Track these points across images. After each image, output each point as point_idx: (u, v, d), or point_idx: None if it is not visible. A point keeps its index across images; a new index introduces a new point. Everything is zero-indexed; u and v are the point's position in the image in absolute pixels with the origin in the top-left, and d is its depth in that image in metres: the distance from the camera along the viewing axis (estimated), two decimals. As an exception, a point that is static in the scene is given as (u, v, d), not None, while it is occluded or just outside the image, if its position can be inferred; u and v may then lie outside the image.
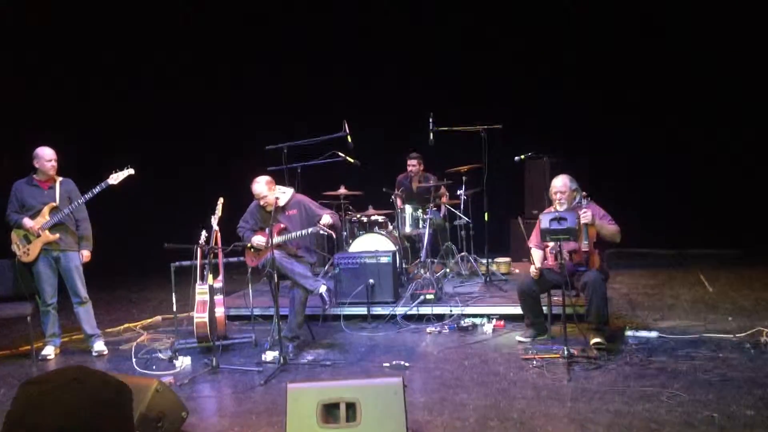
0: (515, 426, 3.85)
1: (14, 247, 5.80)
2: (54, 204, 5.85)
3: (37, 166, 5.86)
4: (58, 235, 5.83)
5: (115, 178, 5.90)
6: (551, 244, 5.32)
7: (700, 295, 7.14)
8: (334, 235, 6.16)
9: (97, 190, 5.83)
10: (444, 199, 8.42)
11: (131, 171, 5.98)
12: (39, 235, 5.77)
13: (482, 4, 10.21)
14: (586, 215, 5.21)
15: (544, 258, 5.61)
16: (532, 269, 5.52)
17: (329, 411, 3.51)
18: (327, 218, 5.77)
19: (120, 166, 5.96)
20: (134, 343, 6.20)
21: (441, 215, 8.40)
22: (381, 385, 3.60)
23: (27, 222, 5.75)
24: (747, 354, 4.97)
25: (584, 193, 5.50)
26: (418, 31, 10.42)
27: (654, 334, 5.59)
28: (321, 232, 5.77)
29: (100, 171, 5.97)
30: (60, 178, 5.97)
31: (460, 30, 10.38)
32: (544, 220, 5.04)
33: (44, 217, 5.78)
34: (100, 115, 10.19)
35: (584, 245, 5.28)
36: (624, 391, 4.31)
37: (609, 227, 5.34)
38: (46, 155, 5.86)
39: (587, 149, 9.46)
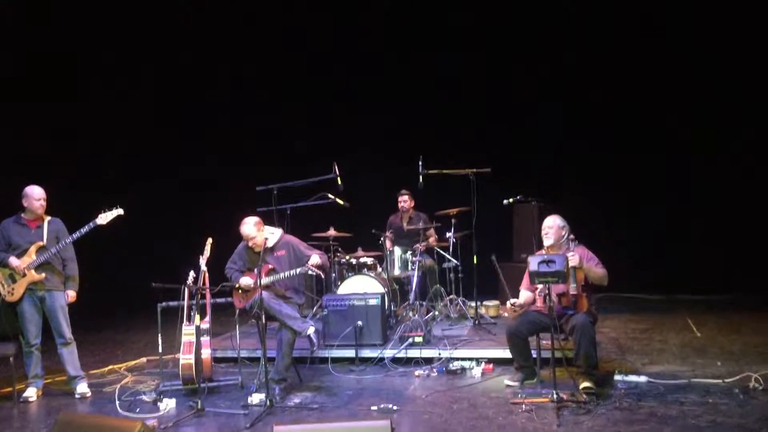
0: (504, 471, 3.80)
1: None
2: (41, 243, 5.81)
3: (25, 204, 5.84)
4: (44, 275, 5.78)
5: (104, 218, 5.86)
6: (540, 286, 5.33)
7: (689, 339, 7.13)
8: (323, 275, 6.14)
9: (85, 230, 5.80)
10: (432, 241, 8.43)
11: (120, 211, 5.95)
12: (25, 275, 5.72)
13: (476, 42, 10.37)
14: (573, 258, 5.23)
15: (533, 301, 5.60)
16: (508, 303, 5.55)
17: (316, 455, 3.46)
18: (315, 258, 5.78)
19: (108, 206, 5.93)
20: (118, 385, 6.11)
21: (429, 257, 8.40)
22: (368, 428, 3.56)
23: (13, 261, 5.71)
24: (736, 399, 4.94)
25: (572, 236, 5.54)
26: (408, 74, 10.55)
27: (643, 378, 5.56)
28: (309, 272, 5.76)
29: (87, 210, 5.96)
30: (48, 218, 5.95)
31: (453, 71, 10.51)
32: (533, 263, 5.05)
33: (30, 257, 5.74)
34: (86, 152, 10.20)
35: (572, 288, 5.29)
36: (614, 436, 4.27)
37: (597, 270, 5.36)
38: (35, 194, 5.84)
39: (576, 193, 9.53)
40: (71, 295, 5.97)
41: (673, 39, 9.81)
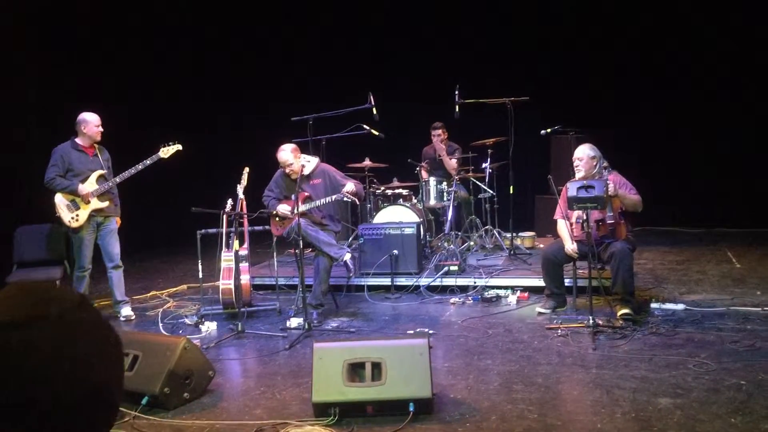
0: (540, 390, 3.85)
1: (60, 213, 5.80)
2: (102, 171, 5.90)
3: (84, 130, 5.85)
4: (107, 203, 5.89)
5: (165, 152, 5.97)
6: (577, 213, 5.28)
7: (728, 270, 7.05)
8: (358, 202, 6.16)
9: (148, 162, 5.89)
10: (453, 167, 8.33)
11: (179, 146, 6.03)
12: (89, 202, 5.81)
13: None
14: (609, 186, 5.14)
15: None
16: (568, 246, 5.42)
17: (355, 370, 3.54)
18: (350, 186, 5.79)
19: (164, 142, 6.01)
20: (161, 310, 6.28)
21: (464, 188, 8.36)
22: (406, 346, 3.62)
23: (82, 188, 5.77)
24: (775, 326, 4.91)
25: (605, 163, 5.43)
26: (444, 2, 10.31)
27: (680, 306, 5.53)
28: (345, 198, 5.78)
29: (130, 142, 6.03)
30: (98, 146, 6.01)
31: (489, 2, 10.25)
32: (572, 188, 4.99)
33: (93, 184, 5.82)
34: (126, 82, 10.24)
35: (609, 216, 5.23)
36: (650, 359, 4.29)
37: (631, 197, 5.26)
38: (95, 120, 5.88)
39: (614, 124, 9.32)
40: (119, 221, 6.12)
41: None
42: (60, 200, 5.80)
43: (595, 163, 5.45)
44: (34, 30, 8.77)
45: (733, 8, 9.30)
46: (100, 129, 5.91)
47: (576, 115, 8.72)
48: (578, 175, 5.45)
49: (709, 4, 9.41)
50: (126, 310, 6.11)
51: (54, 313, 0.91)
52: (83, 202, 5.80)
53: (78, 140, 5.90)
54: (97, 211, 5.88)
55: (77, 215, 5.80)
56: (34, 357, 0.87)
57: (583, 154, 5.47)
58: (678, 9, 9.55)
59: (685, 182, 9.67)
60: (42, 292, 0.95)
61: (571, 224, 5.44)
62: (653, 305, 5.62)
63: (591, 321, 4.92)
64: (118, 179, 5.88)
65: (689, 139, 9.73)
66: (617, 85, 9.82)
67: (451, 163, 8.20)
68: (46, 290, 0.96)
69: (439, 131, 8.48)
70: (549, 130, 7.51)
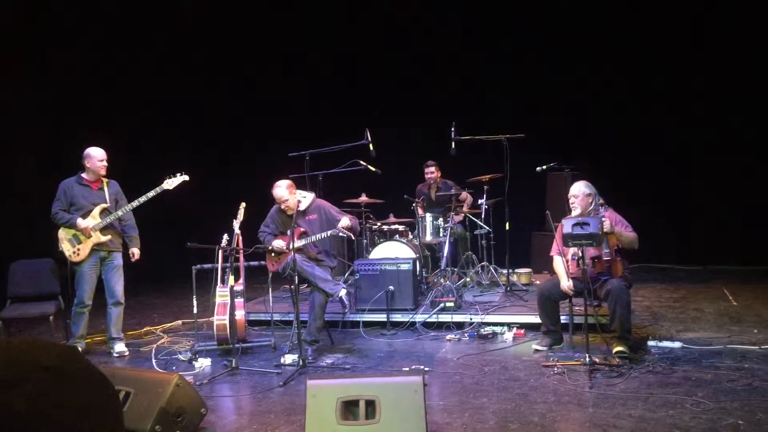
0: (536, 429, 3.82)
1: (63, 247, 5.80)
2: (105, 205, 5.91)
3: (88, 165, 5.91)
4: (110, 237, 5.89)
5: (170, 183, 5.99)
6: (573, 250, 5.28)
7: (724, 308, 7.02)
8: (353, 237, 6.15)
9: (152, 194, 5.91)
10: (465, 208, 8.40)
11: (186, 177, 6.06)
12: (90, 236, 5.81)
13: (506, 13, 10.21)
14: (605, 223, 5.15)
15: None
16: (564, 283, 5.41)
17: (349, 408, 3.50)
18: (345, 221, 5.80)
19: (169, 173, 6.03)
20: (155, 346, 6.24)
21: (461, 224, 8.37)
22: (401, 384, 3.58)
23: (81, 222, 5.78)
24: (773, 365, 4.88)
25: (601, 200, 5.46)
26: (442, 40, 10.42)
27: (677, 344, 5.50)
28: (340, 234, 5.78)
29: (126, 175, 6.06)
30: (107, 180, 6.03)
31: (486, 40, 10.36)
32: (567, 225, 5.00)
33: (95, 218, 5.84)
34: (127, 118, 10.32)
35: (605, 253, 5.23)
36: (647, 398, 4.25)
37: (627, 234, 5.27)
38: (98, 155, 5.93)
39: (610, 162, 9.38)
40: (137, 252, 6.11)
41: (711, 52, 9.57)
42: (62, 234, 5.82)
43: (590, 200, 5.47)
44: (34, 66, 8.88)
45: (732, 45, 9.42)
46: (104, 163, 5.95)
47: (572, 152, 8.76)
48: (574, 212, 5.46)
49: (706, 45, 9.54)
50: (120, 346, 6.06)
51: (31, 376, 0.86)
52: (84, 236, 5.80)
53: (83, 174, 5.95)
54: (99, 245, 5.87)
55: (78, 249, 5.80)
56: (10, 420, 0.82)
57: (579, 191, 5.49)
58: (677, 49, 9.68)
59: (681, 219, 9.69)
60: (19, 354, 0.90)
61: (567, 261, 5.44)
62: (650, 343, 5.59)
63: (587, 359, 4.89)
64: (120, 212, 5.89)
65: (686, 176, 9.78)
66: (614, 122, 9.89)
67: (466, 198, 8.31)
68: (23, 351, 0.91)
69: (432, 168, 8.54)
70: (545, 167, 7.56)
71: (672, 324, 6.37)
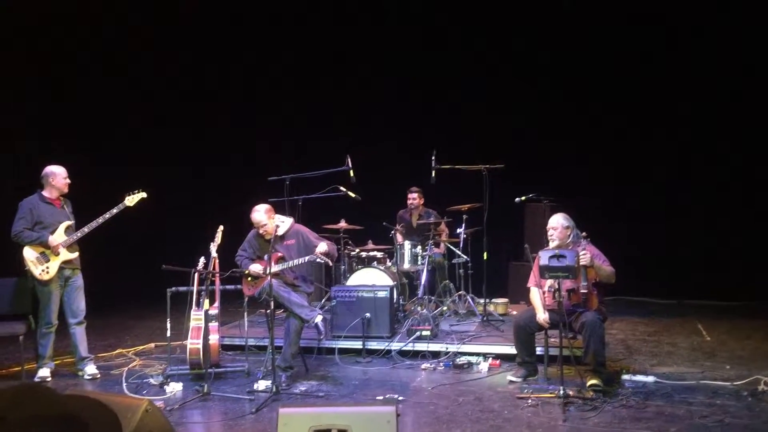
0: (508, 462, 3.79)
1: (31, 266, 5.72)
2: (70, 223, 5.89)
3: (52, 182, 5.87)
4: (76, 254, 5.85)
5: (131, 200, 5.96)
6: (549, 282, 5.31)
7: (698, 343, 7.08)
8: (330, 263, 6.13)
9: (114, 211, 5.88)
10: (443, 237, 8.42)
11: (143, 194, 6.05)
12: (59, 254, 5.74)
13: (489, 43, 10.34)
14: (585, 257, 5.18)
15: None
16: (540, 315, 5.42)
17: (320, 437, 3.45)
18: (323, 246, 5.78)
19: (129, 190, 6.01)
20: (126, 369, 6.15)
21: (440, 253, 8.38)
22: (374, 413, 3.54)
23: (52, 239, 5.72)
24: (744, 401, 4.90)
25: (584, 233, 5.50)
26: (424, 68, 10.51)
27: (651, 378, 5.53)
28: (318, 260, 5.75)
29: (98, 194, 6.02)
30: (63, 198, 6.00)
31: (467, 68, 10.46)
32: (543, 257, 5.03)
33: (61, 236, 5.78)
34: (99, 136, 10.27)
35: (583, 286, 5.25)
36: (620, 432, 4.25)
37: (606, 268, 5.32)
38: (63, 173, 5.94)
39: (589, 193, 9.47)
40: None
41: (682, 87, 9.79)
42: (29, 253, 5.72)
43: (569, 233, 5.51)
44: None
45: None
46: (68, 181, 5.95)
47: (550, 184, 8.84)
48: (552, 244, 5.50)
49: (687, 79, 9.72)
50: (90, 368, 5.97)
51: None
52: (53, 254, 5.73)
53: (45, 193, 5.90)
54: (66, 263, 5.82)
55: (47, 267, 5.72)
56: None
57: (557, 223, 5.53)
58: (657, 85, 9.85)
59: (657, 253, 9.78)
60: None
61: (543, 292, 5.46)
62: (624, 377, 5.61)
63: (562, 391, 4.89)
64: (86, 229, 5.83)
65: (663, 211, 9.91)
66: (593, 155, 10.01)
67: (445, 230, 8.37)
68: None
69: (415, 195, 8.57)
70: (524, 198, 7.63)
71: (646, 358, 6.40)
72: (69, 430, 0.96)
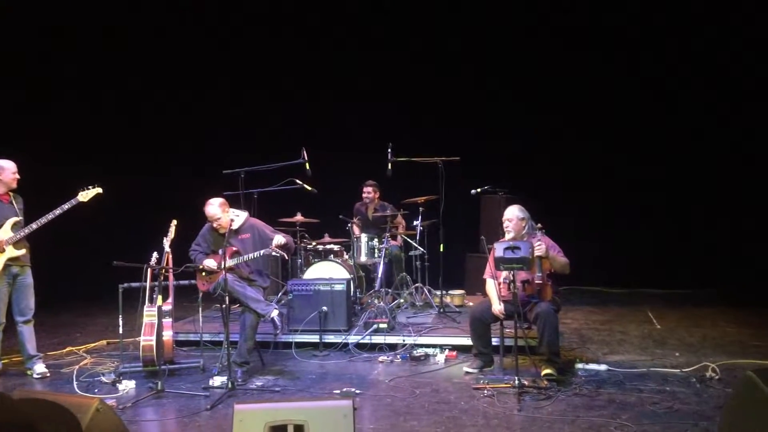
0: (465, 453, 3.82)
1: None
2: (17, 218, 5.70)
3: (1, 178, 5.69)
4: (24, 251, 5.67)
5: (85, 196, 5.79)
6: (504, 273, 5.36)
7: (649, 331, 7.24)
8: (287, 257, 6.06)
9: (66, 206, 5.69)
10: (400, 229, 8.43)
11: (99, 190, 5.87)
12: (4, 250, 5.57)
13: (447, 36, 10.38)
14: (540, 247, 5.23)
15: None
16: (495, 306, 5.47)
17: (276, 433, 3.42)
18: (279, 239, 5.70)
19: (83, 186, 5.84)
20: (77, 367, 6.01)
21: (397, 246, 8.40)
22: (331, 408, 3.52)
23: None
24: (693, 388, 5.04)
25: (539, 225, 5.57)
26: (379, 58, 10.48)
27: (603, 367, 5.64)
28: (273, 253, 5.68)
29: (51, 187, 5.86)
30: (12, 193, 5.81)
31: (423, 58, 10.47)
32: (498, 249, 5.07)
33: (7, 232, 5.61)
34: (52, 126, 10.01)
35: (537, 277, 5.32)
36: (574, 420, 4.32)
37: (560, 259, 5.39)
38: (12, 168, 5.73)
39: (542, 185, 9.59)
40: None
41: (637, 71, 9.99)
42: None
43: (524, 225, 5.56)
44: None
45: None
46: (17, 176, 5.76)
47: (505, 175, 8.92)
48: (507, 236, 5.54)
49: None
50: (40, 367, 5.81)
51: None
52: None
53: None
54: (12, 260, 5.65)
55: None
56: None
57: (513, 215, 5.57)
58: (608, 78, 10.02)
59: (609, 242, 9.96)
60: None
61: (498, 284, 5.51)
62: (578, 365, 5.70)
63: (517, 381, 4.95)
64: (34, 225, 5.67)
65: (613, 200, 10.08)
66: (546, 147, 10.13)
67: (401, 222, 8.38)
68: None
69: (370, 189, 8.57)
70: (479, 190, 7.69)
71: (599, 347, 6.52)
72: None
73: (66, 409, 0.90)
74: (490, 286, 5.60)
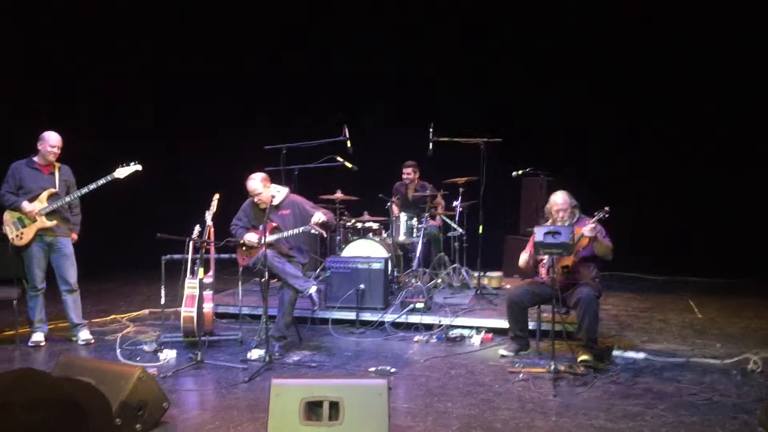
0: (498, 436, 3.83)
1: (6, 229, 5.72)
2: (53, 190, 5.82)
3: (39, 148, 5.82)
4: (55, 222, 5.80)
5: (122, 172, 5.87)
6: (545, 258, 5.32)
7: (690, 320, 7.12)
8: (325, 235, 6.09)
9: (102, 181, 5.79)
10: (440, 210, 8.41)
11: (138, 167, 5.95)
12: (35, 220, 5.72)
13: (490, 17, 10.24)
14: (593, 228, 5.17)
15: (535, 270, 5.59)
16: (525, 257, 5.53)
17: (312, 409, 3.47)
18: (318, 216, 5.73)
19: (121, 159, 5.93)
20: (120, 335, 6.17)
21: (436, 226, 8.38)
22: (366, 386, 3.56)
23: (26, 205, 5.69)
24: (733, 380, 4.95)
25: (606, 208, 5.48)
26: (425, 40, 10.42)
27: (641, 355, 5.57)
28: (312, 231, 5.72)
29: (99, 162, 5.97)
30: (59, 165, 5.94)
31: (469, 40, 10.36)
32: (539, 233, 5.01)
33: (42, 202, 5.75)
34: (100, 107, 10.18)
35: (579, 261, 5.28)
36: (609, 408, 4.29)
37: (606, 243, 5.31)
38: (51, 140, 5.82)
39: (584, 170, 9.44)
40: (74, 237, 6.01)
41: (690, 59, 9.69)
42: (8, 217, 5.75)
43: (577, 212, 5.52)
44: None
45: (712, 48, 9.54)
46: (54, 150, 5.84)
47: (548, 157, 8.82)
48: (559, 224, 5.45)
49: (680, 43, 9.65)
50: (84, 334, 5.99)
51: None
52: (29, 220, 5.70)
53: (35, 158, 5.86)
54: (44, 230, 5.78)
55: (21, 233, 5.71)
56: None
57: (565, 203, 5.48)
58: (660, 55, 9.77)
59: (652, 229, 9.80)
60: None
61: (537, 261, 5.48)
62: (615, 352, 5.65)
63: (552, 366, 4.93)
64: (68, 198, 5.81)
65: (658, 187, 9.90)
66: (590, 130, 9.96)
67: (441, 203, 8.39)
68: None
69: (410, 170, 8.55)
70: (521, 172, 7.61)
71: (637, 334, 6.44)
72: (68, 412, 0.99)
73: (100, 392, 0.94)
74: (524, 257, 5.59)
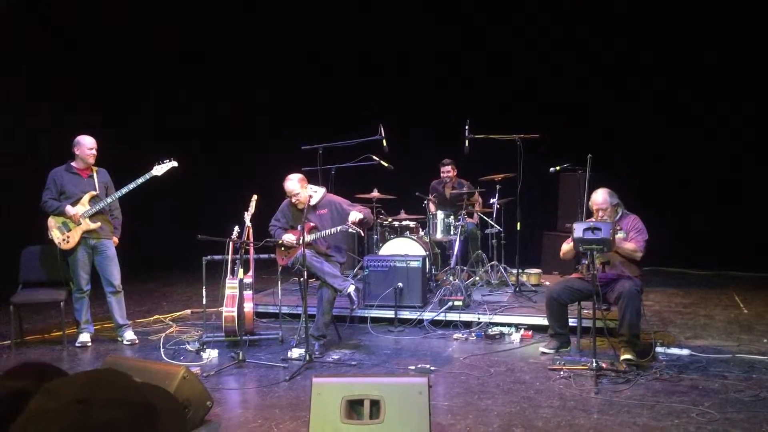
0: (540, 434, 3.81)
1: (52, 234, 5.88)
2: (94, 193, 5.96)
3: (77, 153, 5.97)
4: (99, 224, 5.94)
5: (159, 170, 6.00)
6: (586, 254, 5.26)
7: (734, 316, 6.98)
8: (362, 233, 6.10)
9: (140, 180, 5.92)
10: (477, 207, 8.37)
11: (174, 164, 6.09)
12: (80, 223, 5.86)
13: (529, 12, 10.16)
14: (620, 233, 5.12)
15: (578, 260, 5.54)
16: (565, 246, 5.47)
17: (353, 407, 3.50)
18: (355, 214, 5.75)
19: (159, 159, 6.06)
20: (163, 335, 6.28)
21: (473, 223, 8.35)
22: (406, 384, 3.58)
23: (69, 209, 5.83)
24: (781, 376, 4.84)
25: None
26: (461, 39, 10.38)
27: (685, 351, 5.48)
28: (350, 230, 5.74)
29: (135, 164, 6.09)
30: (96, 168, 6.07)
31: (505, 37, 10.30)
32: (578, 230, 4.95)
33: (84, 206, 5.88)
34: (137, 108, 10.36)
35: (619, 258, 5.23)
36: (653, 406, 4.23)
37: (625, 246, 5.20)
38: (87, 143, 5.97)
39: (625, 166, 9.31)
40: (115, 240, 6.13)
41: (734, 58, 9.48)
42: (52, 222, 5.89)
43: (619, 210, 5.46)
44: (35, 54, 8.91)
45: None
46: (93, 152, 5.99)
47: (585, 153, 8.69)
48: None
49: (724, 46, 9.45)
50: (129, 334, 6.11)
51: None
52: (74, 224, 5.84)
53: (73, 163, 5.99)
54: (88, 233, 5.91)
55: (68, 237, 5.86)
56: None
57: (605, 203, 5.40)
58: (696, 56, 9.59)
59: (695, 223, 9.63)
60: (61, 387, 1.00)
61: (578, 254, 5.42)
62: (658, 349, 5.55)
63: (594, 363, 4.87)
64: (109, 199, 5.93)
65: (701, 180, 9.71)
66: (630, 125, 9.83)
67: (478, 200, 8.36)
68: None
69: (449, 168, 8.53)
70: (558, 168, 7.51)
71: (681, 330, 6.34)
72: (144, 413, 1.05)
73: (177, 399, 1.00)
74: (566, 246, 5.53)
